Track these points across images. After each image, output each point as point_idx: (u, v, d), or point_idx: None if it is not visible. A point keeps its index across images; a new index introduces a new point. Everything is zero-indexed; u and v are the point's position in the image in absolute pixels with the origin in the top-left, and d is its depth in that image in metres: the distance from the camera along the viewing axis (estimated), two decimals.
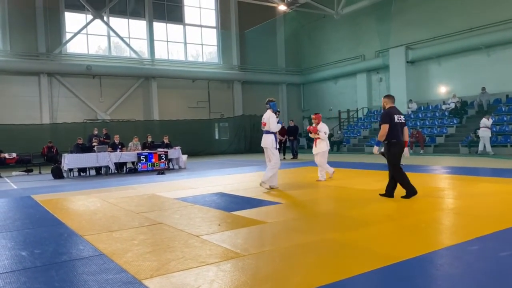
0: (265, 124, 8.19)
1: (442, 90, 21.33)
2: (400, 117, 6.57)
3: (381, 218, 5.29)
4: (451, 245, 3.95)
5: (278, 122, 8.22)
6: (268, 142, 8.18)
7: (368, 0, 22.32)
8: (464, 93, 19.85)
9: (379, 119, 6.67)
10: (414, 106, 21.82)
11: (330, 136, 23.82)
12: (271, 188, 8.21)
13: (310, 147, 25.73)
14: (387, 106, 6.73)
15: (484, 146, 15.71)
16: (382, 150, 6.81)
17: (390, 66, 22.82)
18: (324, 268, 3.46)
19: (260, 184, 8.26)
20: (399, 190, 6.63)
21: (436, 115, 20.52)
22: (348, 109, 26.44)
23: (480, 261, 3.52)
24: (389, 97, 6.85)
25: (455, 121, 19.19)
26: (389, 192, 6.70)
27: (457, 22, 19.92)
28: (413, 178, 9.29)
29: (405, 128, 6.77)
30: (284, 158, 17.94)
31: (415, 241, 4.19)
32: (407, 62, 22.10)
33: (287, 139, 18.38)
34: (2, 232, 5.30)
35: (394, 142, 6.52)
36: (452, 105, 19.73)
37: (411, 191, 6.46)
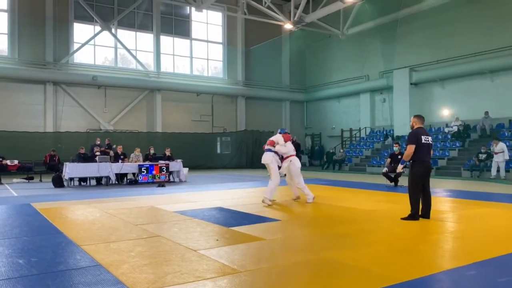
0: (272, 143, 8.71)
1: (445, 112, 21.40)
2: (427, 138, 6.60)
3: (380, 239, 5.27)
4: (449, 269, 3.93)
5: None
6: (268, 158, 8.65)
7: (373, 22, 22.62)
8: (467, 117, 19.89)
9: (406, 138, 6.81)
10: None
11: (332, 155, 23.98)
12: (270, 202, 8.49)
13: (312, 165, 25.70)
14: (415, 126, 6.74)
15: (497, 171, 15.53)
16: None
17: (394, 87, 22.95)
18: (320, 287, 3.44)
19: (263, 200, 8.54)
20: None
21: (439, 138, 20.53)
22: (350, 128, 26.50)
23: (477, 286, 3.50)
24: (419, 117, 6.87)
25: (457, 144, 19.18)
26: (423, 214, 6.58)
27: (462, 46, 20.09)
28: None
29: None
30: (285, 175, 17.85)
31: (413, 263, 4.17)
32: (411, 83, 22.23)
33: None
34: (0, 239, 5.30)
35: (418, 162, 6.55)
36: (455, 128, 19.75)
37: (415, 216, 6.45)
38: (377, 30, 23.26)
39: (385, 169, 12.66)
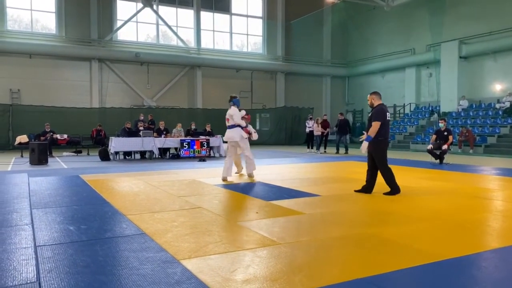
0: (228, 120, 8.36)
1: (497, 87, 20.24)
2: (388, 115, 6.59)
3: (424, 216, 5.12)
4: (497, 248, 3.77)
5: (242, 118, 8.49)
6: (236, 135, 8.36)
7: None
8: None
9: (373, 114, 6.56)
10: (465, 103, 20.86)
11: None
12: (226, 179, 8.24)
13: (352, 142, 25.37)
14: (375, 103, 6.60)
15: None
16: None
17: (442, 61, 21.90)
18: (361, 261, 3.40)
19: (249, 176, 8.63)
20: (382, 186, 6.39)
21: (489, 114, 19.53)
22: (394, 104, 25.70)
23: None
24: (377, 93, 6.74)
25: (509, 121, 18.17)
26: (366, 188, 6.72)
27: None
28: (461, 177, 8.98)
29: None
30: (325, 151, 17.72)
31: (459, 241, 4.03)
32: (460, 57, 21.12)
33: (338, 133, 17.55)
34: (52, 207, 5.61)
35: (382, 140, 6.49)
36: (507, 104, 18.68)
37: (396, 189, 6.51)
38: (425, 1, 22.10)
39: (430, 146, 12.22)
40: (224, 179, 8.20)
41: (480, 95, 20.92)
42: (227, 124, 8.41)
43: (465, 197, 6.37)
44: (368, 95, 6.75)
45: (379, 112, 6.47)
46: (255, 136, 9.15)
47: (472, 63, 21.15)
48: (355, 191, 6.83)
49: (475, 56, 20.95)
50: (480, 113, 19.93)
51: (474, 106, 20.77)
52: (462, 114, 20.54)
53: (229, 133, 8.44)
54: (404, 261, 3.35)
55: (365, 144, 6.61)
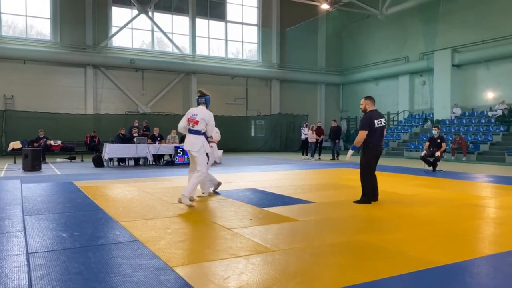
0: (197, 123, 6.18)
1: (489, 95, 20.44)
2: (380, 121, 6.37)
3: (416, 223, 5.15)
4: (489, 255, 3.80)
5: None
6: (197, 145, 6.16)
7: (414, 1, 21.69)
8: None
9: (360, 122, 6.52)
10: (458, 111, 21.03)
11: None
12: (192, 201, 6.23)
13: (347, 148, 25.36)
14: (368, 109, 6.48)
15: None
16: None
17: (435, 69, 22.10)
18: (355, 268, 3.41)
19: (179, 200, 6.13)
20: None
21: (482, 122, 19.69)
22: (388, 112, 25.85)
23: None
24: (371, 99, 6.58)
25: (501, 129, 18.33)
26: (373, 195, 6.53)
27: (509, 25, 19.01)
28: (454, 185, 9.04)
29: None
30: (320, 158, 17.78)
31: (451, 247, 4.05)
32: (453, 65, 21.33)
33: (331, 140, 18.07)
34: (45, 214, 5.58)
35: (371, 146, 6.36)
36: (500, 112, 18.86)
37: (367, 199, 6.38)
38: (418, 10, 22.33)
39: (423, 153, 12.29)
40: (191, 199, 6.27)
41: (473, 103, 21.10)
42: (191, 126, 6.25)
43: (458, 204, 6.41)
44: (362, 99, 6.63)
45: (365, 120, 6.37)
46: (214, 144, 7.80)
47: (465, 71, 21.36)
48: (354, 202, 6.51)
49: (467, 65, 21.16)
50: (473, 121, 20.10)
51: (467, 114, 20.95)
52: (455, 121, 20.70)
53: (190, 140, 6.25)
54: (398, 268, 3.36)
55: (349, 152, 6.69)
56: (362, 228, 4.95)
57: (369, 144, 6.35)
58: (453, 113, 21.13)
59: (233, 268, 3.35)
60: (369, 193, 6.42)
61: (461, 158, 17.31)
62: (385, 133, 6.64)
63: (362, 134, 6.31)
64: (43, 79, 21.02)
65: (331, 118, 22.25)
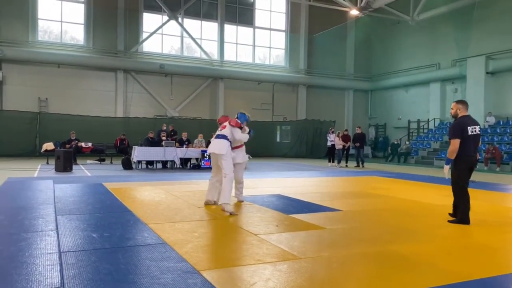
0: (224, 127, 6.68)
1: None
2: (475, 128, 5.58)
3: (448, 234, 5.00)
4: None
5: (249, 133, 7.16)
6: (224, 149, 6.33)
7: (446, 6, 21.23)
8: None
9: (448, 130, 5.74)
10: (492, 119, 20.38)
11: (397, 146, 23.07)
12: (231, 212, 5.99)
13: (375, 156, 24.90)
14: (460, 114, 5.73)
15: None
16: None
17: (468, 76, 21.50)
18: (383, 279, 3.33)
19: (223, 209, 6.05)
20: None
21: None
22: (418, 119, 25.32)
23: None
24: (463, 103, 5.82)
25: None
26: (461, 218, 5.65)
27: None
28: (486, 196, 8.73)
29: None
30: (347, 166, 17.56)
31: (485, 261, 3.91)
32: (487, 72, 20.70)
33: (354, 147, 17.82)
34: (76, 214, 5.72)
35: (462, 157, 5.55)
36: None
37: (465, 219, 5.55)
38: (451, 15, 21.82)
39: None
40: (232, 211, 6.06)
41: (507, 112, 20.41)
42: (219, 131, 6.73)
43: (492, 216, 6.18)
44: (453, 103, 5.88)
45: (457, 127, 5.60)
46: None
47: (499, 79, 20.70)
48: (449, 221, 5.72)
49: (502, 72, 20.49)
50: (508, 130, 19.42)
51: (501, 122, 20.27)
52: (489, 130, 20.07)
53: (218, 143, 6.46)
54: (429, 280, 3.27)
55: (446, 168, 5.82)
56: (391, 238, 4.83)
57: (460, 154, 5.54)
58: (487, 121, 20.49)
59: (259, 274, 3.34)
60: (467, 212, 5.56)
61: (495, 169, 16.73)
62: (480, 143, 5.85)
63: (455, 144, 5.51)
64: (75, 82, 21.66)
65: (360, 125, 21.96)
